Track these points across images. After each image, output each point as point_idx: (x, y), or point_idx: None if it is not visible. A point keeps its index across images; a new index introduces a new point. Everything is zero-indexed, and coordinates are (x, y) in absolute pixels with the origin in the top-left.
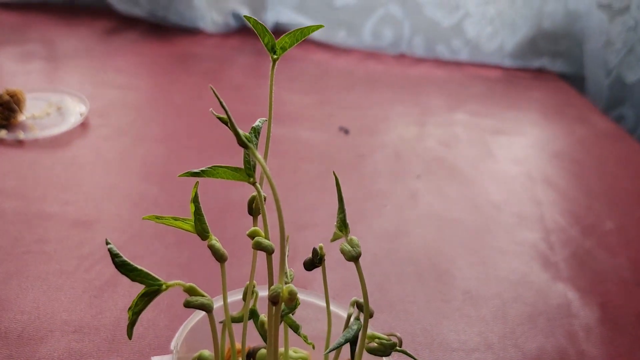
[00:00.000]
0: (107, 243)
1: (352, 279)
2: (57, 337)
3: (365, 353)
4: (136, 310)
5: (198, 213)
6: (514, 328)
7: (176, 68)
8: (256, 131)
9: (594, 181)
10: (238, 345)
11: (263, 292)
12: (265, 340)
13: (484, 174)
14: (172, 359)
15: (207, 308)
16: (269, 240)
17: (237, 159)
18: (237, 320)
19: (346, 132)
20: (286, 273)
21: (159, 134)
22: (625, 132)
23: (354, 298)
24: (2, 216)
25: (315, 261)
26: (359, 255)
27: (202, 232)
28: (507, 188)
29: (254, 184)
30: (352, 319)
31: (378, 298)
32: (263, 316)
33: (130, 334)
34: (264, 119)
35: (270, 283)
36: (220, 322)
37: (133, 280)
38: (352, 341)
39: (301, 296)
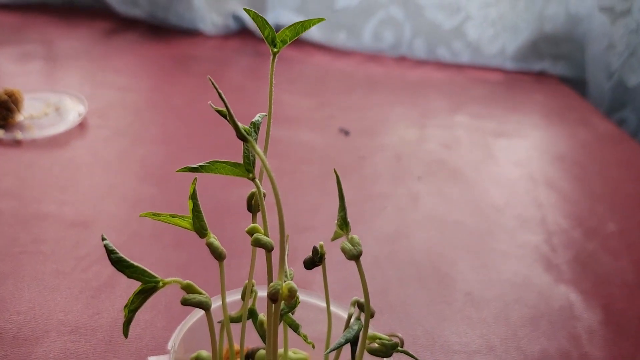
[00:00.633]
0: (103, 239)
1: (353, 281)
2: (53, 337)
3: (366, 354)
4: (132, 308)
5: (196, 210)
6: (516, 330)
7: (176, 69)
8: (255, 126)
9: (596, 184)
10: (236, 346)
11: (262, 292)
12: (264, 341)
13: (486, 176)
14: (169, 359)
15: (204, 306)
16: (268, 237)
17: (236, 160)
18: (235, 320)
19: (346, 133)
20: (286, 272)
21: (158, 135)
22: (628, 135)
23: (354, 297)
24: None
25: (315, 260)
26: (359, 254)
27: (200, 229)
28: (508, 190)
29: (253, 179)
30: (352, 319)
31: (379, 300)
32: (262, 315)
33: (126, 332)
34: (264, 113)
35: (270, 281)
36: (219, 322)
37: (129, 277)
38: (353, 341)
39: (301, 297)
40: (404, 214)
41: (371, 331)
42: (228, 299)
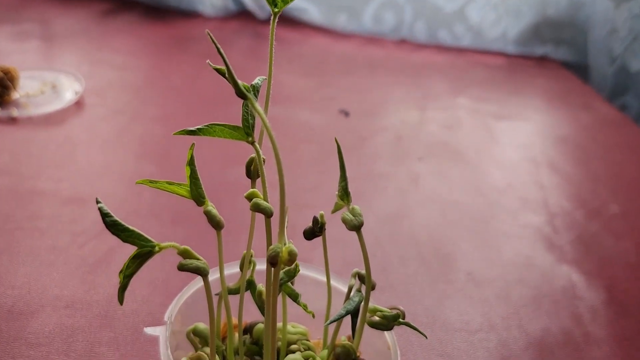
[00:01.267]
0: (98, 202)
1: (353, 259)
2: (49, 312)
3: (366, 331)
4: (128, 273)
5: (194, 177)
6: (518, 309)
7: (174, 50)
8: (255, 88)
9: (599, 166)
10: (234, 320)
11: (261, 265)
12: (262, 312)
13: (487, 158)
14: (165, 330)
15: (202, 272)
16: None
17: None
18: (233, 291)
19: (346, 114)
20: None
21: (157, 114)
22: (630, 120)
23: (355, 269)
24: None
25: (315, 230)
26: (361, 224)
27: (198, 197)
28: (510, 172)
29: (252, 143)
30: (353, 291)
31: (379, 279)
32: (261, 286)
33: (121, 299)
34: (263, 77)
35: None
36: (216, 295)
37: (124, 241)
38: (354, 313)
39: (300, 270)
40: (404, 194)
41: (372, 304)
42: (226, 272)
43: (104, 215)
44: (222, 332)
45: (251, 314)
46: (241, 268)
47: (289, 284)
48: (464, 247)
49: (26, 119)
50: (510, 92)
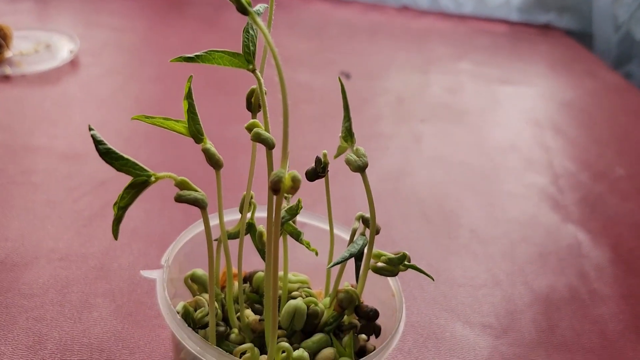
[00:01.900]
0: (90, 129)
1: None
2: (43, 264)
3: (369, 281)
4: (122, 205)
5: (192, 112)
6: (523, 267)
7: (171, 12)
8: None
9: (604, 130)
10: (234, 270)
11: (261, 212)
12: (263, 257)
13: (491, 120)
14: (162, 273)
15: (200, 203)
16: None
17: (233, 100)
18: (233, 235)
19: (347, 76)
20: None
21: (153, 74)
22: (635, 87)
23: (359, 212)
24: None
25: (318, 170)
26: (365, 165)
27: (196, 134)
28: (514, 134)
29: (253, 71)
30: (357, 235)
31: (382, 235)
32: (261, 227)
33: (115, 232)
34: (265, 5)
35: None
36: (215, 240)
37: (119, 170)
38: (357, 257)
39: (302, 219)
40: (407, 154)
41: (376, 249)
42: (225, 219)
43: (97, 143)
44: (221, 281)
45: (251, 264)
46: (241, 211)
47: (291, 222)
48: (468, 205)
49: (20, 77)
50: (513, 59)
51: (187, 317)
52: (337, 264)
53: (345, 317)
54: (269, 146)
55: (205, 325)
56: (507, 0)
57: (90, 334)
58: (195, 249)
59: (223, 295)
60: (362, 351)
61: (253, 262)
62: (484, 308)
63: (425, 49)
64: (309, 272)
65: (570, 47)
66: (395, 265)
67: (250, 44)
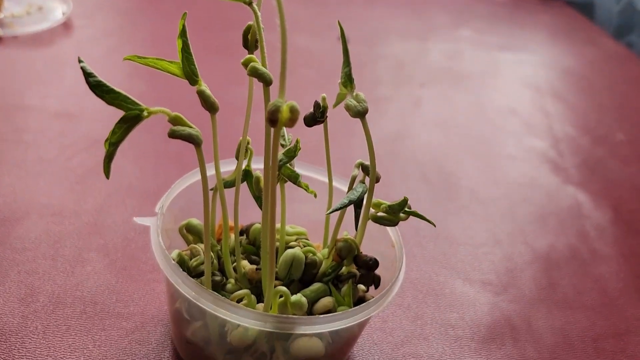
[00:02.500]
0: (80, 61)
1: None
2: (35, 219)
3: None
4: (114, 141)
5: (186, 51)
6: (524, 227)
7: None
8: None
9: (605, 97)
10: (230, 223)
11: (259, 164)
12: (259, 204)
13: (491, 85)
14: (155, 220)
15: (195, 139)
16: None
17: (229, 63)
18: (230, 184)
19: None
20: (283, 136)
21: (147, 37)
22: (636, 56)
23: (359, 160)
24: None
25: (317, 115)
26: (365, 110)
27: (190, 75)
28: (514, 99)
29: (249, 4)
30: (356, 183)
31: (380, 195)
32: (258, 173)
33: (107, 171)
34: None
35: None
36: (211, 190)
37: (109, 103)
38: (357, 204)
39: (300, 170)
40: (406, 117)
41: (375, 199)
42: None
43: (87, 75)
44: (217, 234)
45: (248, 217)
46: (236, 156)
47: (288, 165)
48: (467, 167)
49: (11, 38)
50: (513, 27)
51: (182, 265)
52: (336, 210)
53: (344, 267)
54: (266, 82)
55: (200, 274)
56: None
57: (84, 287)
58: (190, 199)
59: (219, 247)
60: (361, 301)
61: (250, 216)
62: (484, 266)
63: (423, 17)
64: (306, 228)
65: (571, 17)
66: (395, 213)
67: None
